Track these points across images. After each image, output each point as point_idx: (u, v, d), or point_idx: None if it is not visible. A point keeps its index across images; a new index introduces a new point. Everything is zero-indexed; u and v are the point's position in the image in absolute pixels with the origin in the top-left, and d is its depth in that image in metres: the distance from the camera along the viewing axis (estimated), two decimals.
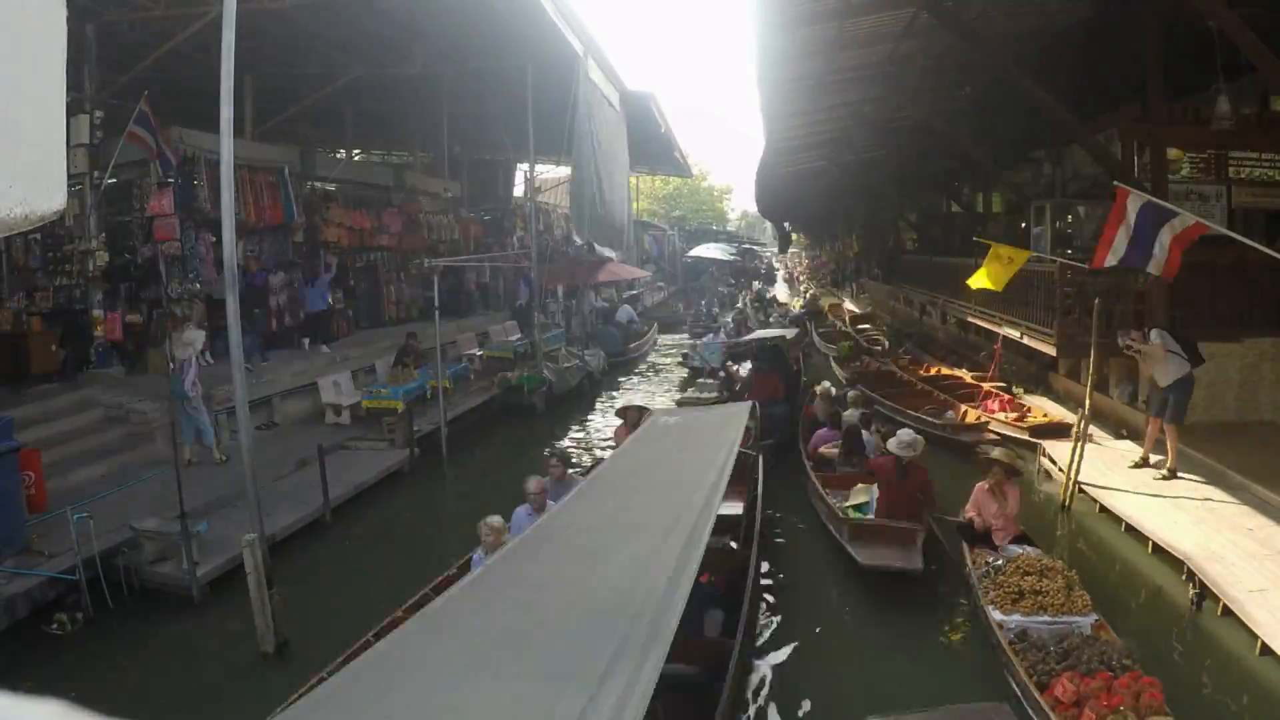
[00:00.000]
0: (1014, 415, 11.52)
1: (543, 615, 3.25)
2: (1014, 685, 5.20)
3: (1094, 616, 5.78)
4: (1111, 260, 7.74)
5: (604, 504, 4.89)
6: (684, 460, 5.65)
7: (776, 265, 61.36)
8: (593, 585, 3.50)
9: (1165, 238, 7.31)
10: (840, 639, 6.73)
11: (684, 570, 3.51)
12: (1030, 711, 4.87)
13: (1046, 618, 5.75)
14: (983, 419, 11.87)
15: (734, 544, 7.32)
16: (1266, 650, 5.54)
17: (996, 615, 5.88)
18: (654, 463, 5.86)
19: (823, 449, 9.71)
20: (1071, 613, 5.80)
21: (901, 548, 7.06)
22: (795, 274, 50.30)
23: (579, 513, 4.74)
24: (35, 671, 6.10)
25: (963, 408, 12.64)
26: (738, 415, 6.98)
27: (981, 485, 7.34)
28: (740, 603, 5.97)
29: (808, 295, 39.33)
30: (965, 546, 7.09)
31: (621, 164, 19.49)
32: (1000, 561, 6.55)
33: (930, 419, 12.03)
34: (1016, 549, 6.82)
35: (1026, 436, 10.81)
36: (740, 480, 7.67)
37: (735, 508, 7.66)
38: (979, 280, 10.49)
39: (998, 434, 11.28)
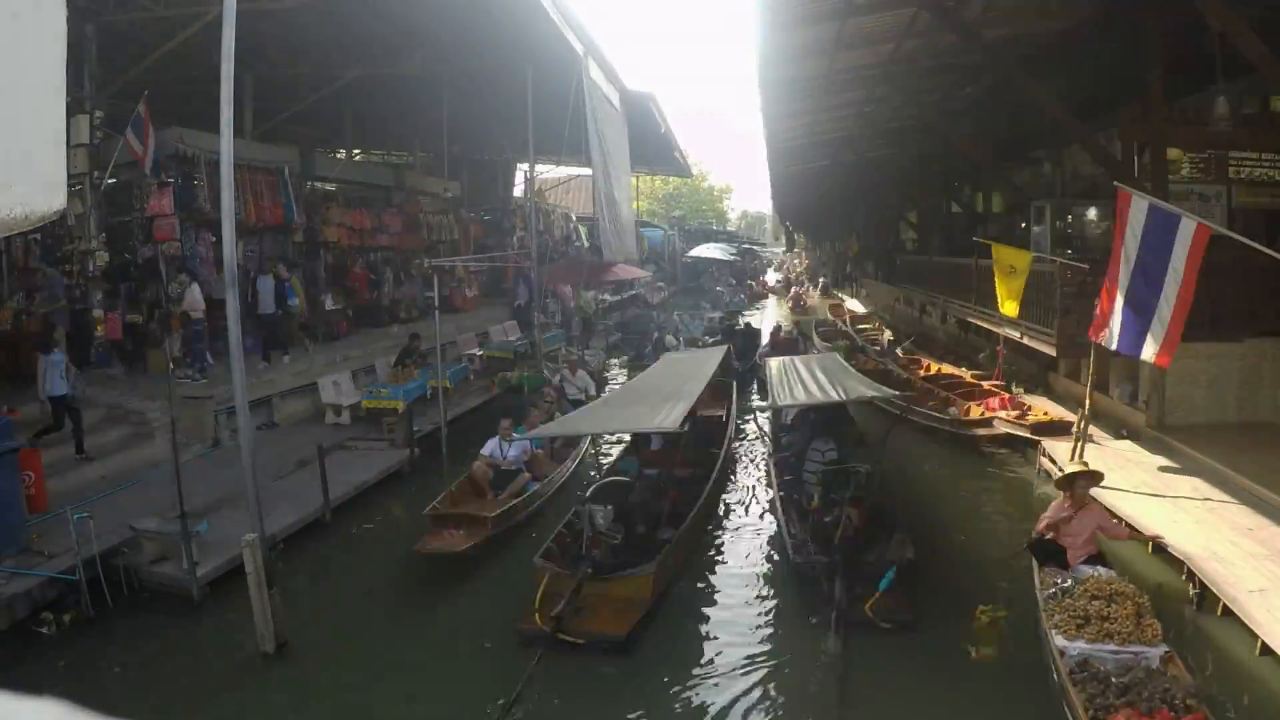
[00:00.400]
0: (1015, 413, 11.55)
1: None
2: (1070, 717, 4.95)
3: (1163, 648, 5.38)
4: (1110, 342, 7.79)
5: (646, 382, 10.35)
6: (687, 370, 10.15)
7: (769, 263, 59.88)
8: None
9: (1180, 251, 7.12)
10: None
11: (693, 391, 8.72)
12: None
13: (1112, 646, 5.37)
14: (986, 415, 11.91)
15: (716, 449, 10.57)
16: (1266, 650, 5.53)
17: (1059, 641, 5.50)
18: (671, 370, 10.60)
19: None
20: (1140, 642, 5.40)
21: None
22: (792, 276, 49.69)
23: (635, 385, 10.72)
24: (34, 671, 6.09)
25: (964, 404, 12.69)
26: (717, 351, 12.43)
27: (1061, 501, 6.70)
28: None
29: (796, 297, 37.77)
30: (1035, 564, 6.70)
31: (623, 164, 19.51)
32: (1069, 583, 6.05)
33: (936, 414, 12.17)
34: (1089, 569, 6.28)
35: (1028, 434, 10.84)
36: (724, 396, 12.88)
37: (719, 412, 12.21)
38: (1005, 306, 10.88)
39: (1005, 432, 11.35)
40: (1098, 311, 8.09)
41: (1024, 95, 10.45)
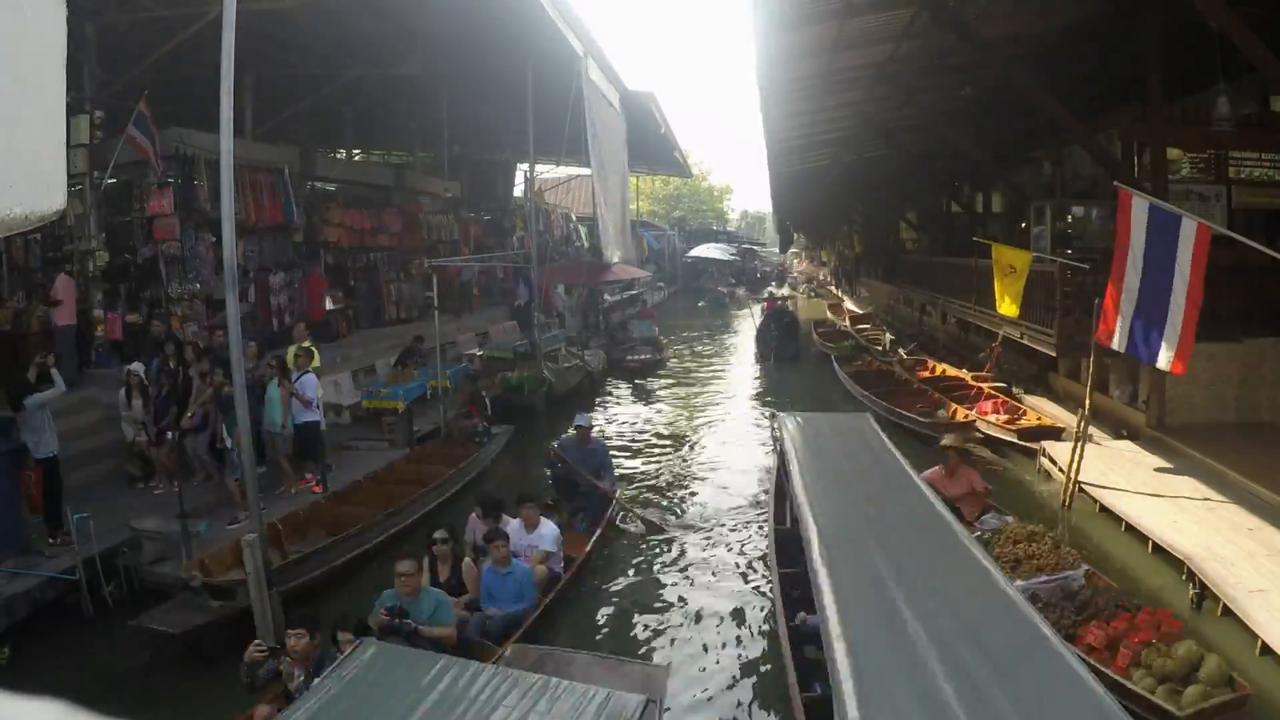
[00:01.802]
0: (1005, 417, 11.52)
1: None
2: None
3: (1084, 567, 6.21)
4: (1118, 344, 7.75)
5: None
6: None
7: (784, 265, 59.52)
8: None
9: (1184, 261, 7.08)
10: None
11: None
12: None
13: (1044, 577, 6.01)
14: (971, 418, 11.90)
15: None
16: (1266, 650, 5.54)
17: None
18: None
19: None
20: (1065, 569, 6.10)
21: None
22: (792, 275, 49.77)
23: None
24: (34, 670, 6.09)
25: (954, 406, 12.68)
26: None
27: (936, 471, 7.59)
28: None
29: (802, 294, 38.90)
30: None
31: (621, 165, 19.50)
32: (987, 534, 6.76)
33: (918, 417, 12.14)
34: (995, 520, 7.15)
35: (1015, 439, 10.83)
36: None
37: None
38: (1004, 305, 10.73)
39: (983, 433, 11.33)
40: (1102, 313, 8.06)
41: (1024, 95, 10.44)
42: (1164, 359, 7.35)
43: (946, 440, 7.99)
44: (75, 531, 6.85)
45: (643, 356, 19.63)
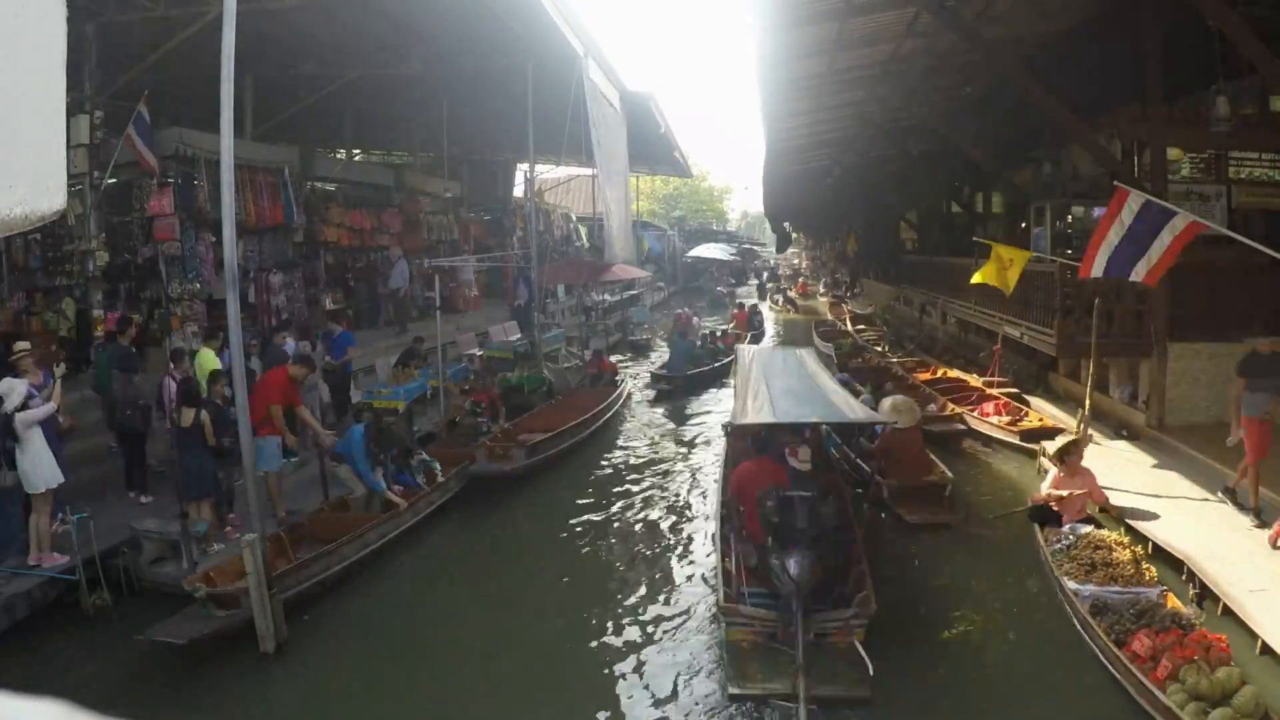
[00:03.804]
0: (1007, 419, 11.49)
1: None
2: (1093, 644, 5.71)
3: (1161, 588, 6.23)
4: (1097, 271, 7.81)
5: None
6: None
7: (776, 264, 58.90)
8: None
9: (1166, 236, 7.34)
10: None
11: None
12: (1110, 666, 5.41)
13: (1117, 588, 6.18)
14: (958, 413, 11.93)
15: None
16: (1266, 649, 5.54)
17: (1072, 585, 6.30)
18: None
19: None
20: (1140, 584, 6.22)
21: None
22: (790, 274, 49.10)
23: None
24: (34, 671, 6.10)
25: (942, 400, 12.68)
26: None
27: (1058, 473, 7.62)
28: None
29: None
30: (1036, 526, 7.57)
31: (622, 165, 19.50)
32: (1072, 539, 6.96)
33: None
34: (1084, 528, 7.20)
35: (1018, 441, 10.82)
36: None
37: None
38: (981, 276, 10.56)
39: (978, 431, 11.34)
40: (1085, 252, 8.16)
41: (1024, 95, 10.44)
42: (1140, 271, 7.56)
43: (1063, 439, 8.01)
44: (75, 531, 6.84)
45: (644, 337, 23.94)
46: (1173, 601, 5.95)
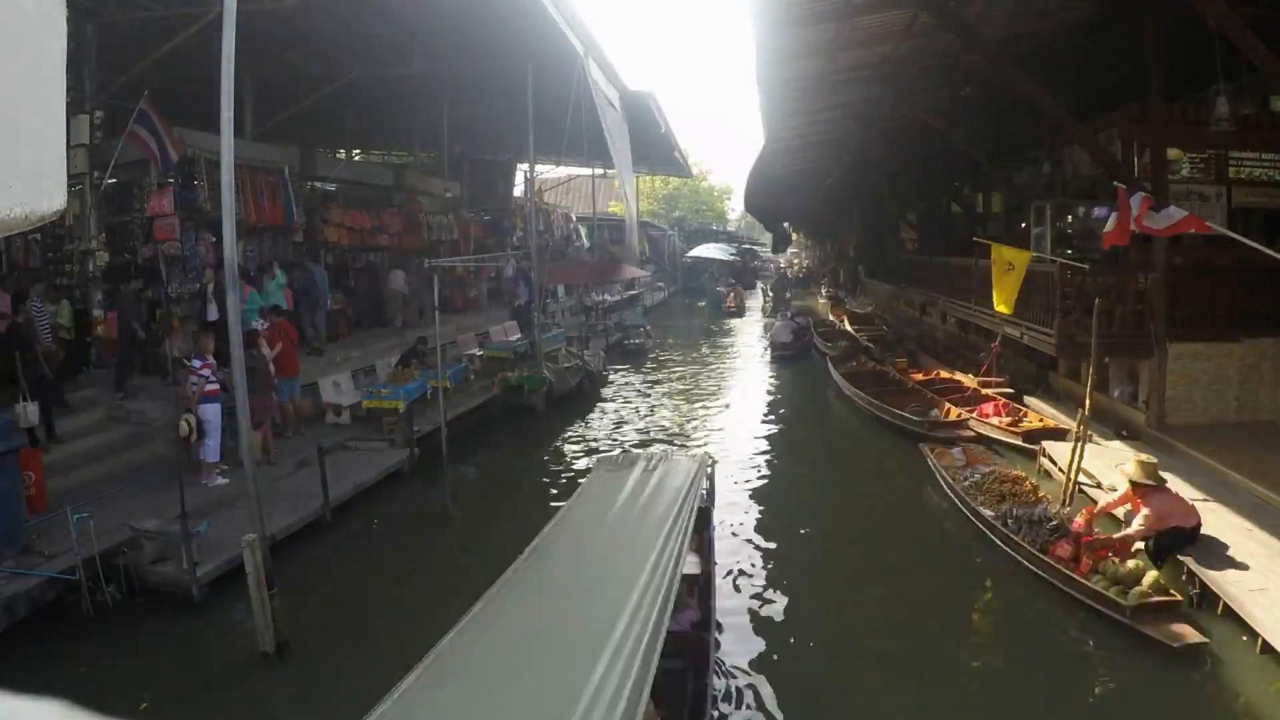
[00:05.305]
0: (1007, 420, 11.48)
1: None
2: (1017, 555, 7.12)
3: (1056, 505, 7.73)
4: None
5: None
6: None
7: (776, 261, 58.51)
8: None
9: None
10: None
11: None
12: (1036, 569, 6.83)
13: (1025, 509, 7.75)
14: (963, 417, 11.89)
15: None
16: (1267, 649, 5.54)
17: (988, 512, 7.92)
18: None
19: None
20: (1037, 505, 7.90)
21: None
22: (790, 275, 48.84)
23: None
24: (33, 671, 6.09)
25: (945, 404, 12.66)
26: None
27: (1160, 502, 6.96)
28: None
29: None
30: (925, 447, 10.25)
31: (628, 164, 19.52)
32: (978, 476, 8.81)
33: (909, 415, 12.12)
34: (986, 468, 9.12)
35: (1020, 442, 10.81)
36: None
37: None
38: (1000, 303, 10.69)
39: (977, 432, 11.32)
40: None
41: (1024, 95, 10.44)
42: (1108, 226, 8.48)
43: (1133, 475, 7.15)
44: (75, 531, 6.84)
45: (639, 340, 23.19)
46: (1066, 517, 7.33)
